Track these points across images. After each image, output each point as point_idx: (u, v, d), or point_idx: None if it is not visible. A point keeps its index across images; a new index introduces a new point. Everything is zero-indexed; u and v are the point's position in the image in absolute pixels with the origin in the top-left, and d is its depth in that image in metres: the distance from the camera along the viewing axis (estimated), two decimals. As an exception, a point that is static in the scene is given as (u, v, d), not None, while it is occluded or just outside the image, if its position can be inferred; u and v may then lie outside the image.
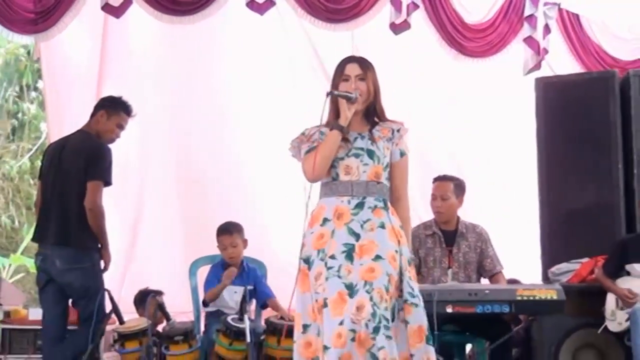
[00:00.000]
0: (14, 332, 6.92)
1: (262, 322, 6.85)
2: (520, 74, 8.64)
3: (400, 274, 4.77)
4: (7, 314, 7.05)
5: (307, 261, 4.84)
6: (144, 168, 8.80)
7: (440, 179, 6.96)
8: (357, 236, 4.78)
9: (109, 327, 6.65)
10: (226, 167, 8.63)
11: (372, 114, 4.96)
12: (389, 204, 4.89)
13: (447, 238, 6.99)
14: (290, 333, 6.23)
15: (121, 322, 6.56)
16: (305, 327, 4.81)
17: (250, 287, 6.66)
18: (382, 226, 4.80)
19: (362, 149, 4.85)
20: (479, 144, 8.75)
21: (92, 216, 6.43)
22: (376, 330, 4.61)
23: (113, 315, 6.45)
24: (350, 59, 5.02)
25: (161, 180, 8.77)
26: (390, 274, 4.72)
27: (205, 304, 6.94)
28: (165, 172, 8.77)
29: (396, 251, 4.77)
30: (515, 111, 8.44)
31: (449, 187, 6.91)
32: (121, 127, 6.77)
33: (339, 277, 4.69)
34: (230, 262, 6.96)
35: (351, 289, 4.66)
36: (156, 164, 8.77)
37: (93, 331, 6.23)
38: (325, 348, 4.61)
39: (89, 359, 6.29)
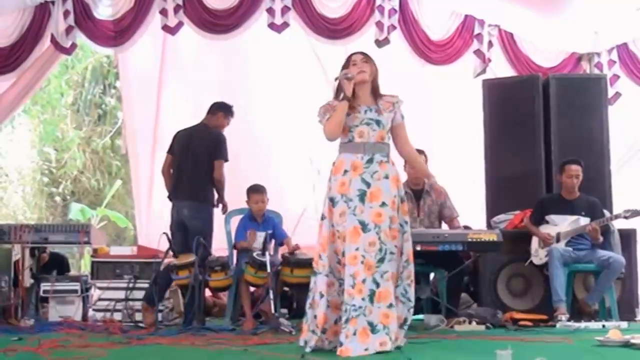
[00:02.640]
0: (100, 264, 6.90)
1: (279, 257, 6.77)
2: (471, 77, 8.62)
3: (397, 211, 4.81)
4: (95, 251, 7.04)
5: (332, 200, 4.80)
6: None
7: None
8: (368, 184, 4.75)
9: (166, 261, 6.59)
10: (252, 145, 8.56)
11: (375, 89, 4.95)
12: (390, 158, 4.88)
13: (416, 195, 7.02)
14: (299, 264, 6.29)
15: (175, 256, 6.55)
16: (326, 248, 4.76)
17: (269, 232, 6.64)
18: (387, 177, 4.79)
19: (371, 119, 4.85)
20: (440, 130, 8.67)
21: (219, 184, 6.93)
22: (381, 260, 4.65)
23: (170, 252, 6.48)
24: (356, 52, 5.06)
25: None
26: (391, 216, 4.74)
27: (235, 248, 6.89)
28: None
29: (395, 196, 4.80)
30: (467, 104, 8.36)
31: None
32: (229, 123, 7.20)
33: (354, 214, 4.68)
34: (257, 214, 6.84)
35: (364, 226, 4.66)
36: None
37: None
38: (343, 265, 4.64)
39: (154, 283, 6.34)
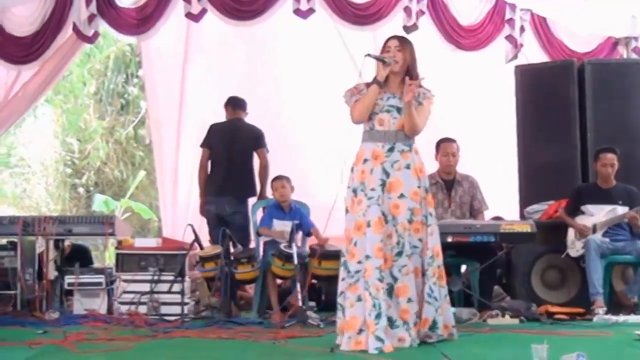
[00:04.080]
0: (124, 256, 6.88)
1: (307, 248, 6.77)
2: (502, 63, 8.52)
3: (421, 202, 4.76)
4: (119, 242, 7.04)
5: (354, 191, 4.78)
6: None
7: (449, 140, 6.92)
8: (388, 174, 4.73)
9: (192, 253, 6.63)
10: (278, 136, 8.37)
11: (410, 79, 4.81)
12: (414, 147, 4.83)
13: (447, 185, 6.97)
14: (327, 256, 6.26)
15: (201, 248, 6.59)
16: (352, 240, 4.71)
17: (296, 222, 6.60)
18: (408, 167, 4.75)
19: (392, 106, 4.80)
20: (471, 118, 8.61)
21: (265, 171, 7.13)
22: (399, 254, 4.66)
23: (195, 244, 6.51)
24: (392, 37, 4.98)
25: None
26: (413, 208, 4.70)
27: (258, 234, 6.90)
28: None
29: (418, 186, 4.75)
30: (499, 91, 8.31)
31: (455, 147, 6.92)
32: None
33: (378, 205, 4.66)
34: (281, 201, 6.84)
35: (385, 217, 4.66)
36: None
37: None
38: (367, 257, 4.59)
39: (179, 275, 6.39)
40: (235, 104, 7.36)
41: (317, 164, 8.74)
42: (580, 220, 6.75)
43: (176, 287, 6.43)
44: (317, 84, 8.68)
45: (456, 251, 6.35)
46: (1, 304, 6.71)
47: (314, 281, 6.80)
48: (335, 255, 6.07)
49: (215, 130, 7.24)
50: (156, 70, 8.93)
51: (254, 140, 7.18)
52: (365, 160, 4.78)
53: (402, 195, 4.71)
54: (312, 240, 6.94)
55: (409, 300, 4.65)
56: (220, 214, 6.98)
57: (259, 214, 7.15)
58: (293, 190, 6.91)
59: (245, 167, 7.17)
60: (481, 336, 5.24)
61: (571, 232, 6.77)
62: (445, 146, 6.89)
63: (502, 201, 7.58)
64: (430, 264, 4.75)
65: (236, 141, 7.14)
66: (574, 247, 6.70)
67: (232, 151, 7.11)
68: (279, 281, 6.80)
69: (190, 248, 6.51)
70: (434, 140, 6.91)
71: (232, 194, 7.03)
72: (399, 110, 4.80)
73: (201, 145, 7.26)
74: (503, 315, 6.10)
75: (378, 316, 4.51)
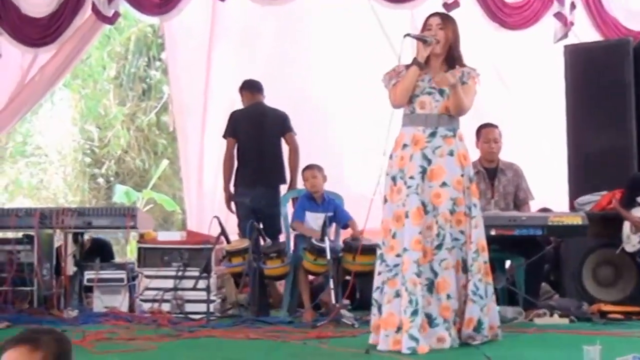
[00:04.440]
0: (147, 250, 6.92)
1: (341, 242, 6.71)
2: (551, 43, 8.42)
3: (464, 192, 4.75)
4: (141, 236, 7.10)
5: (393, 179, 4.78)
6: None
7: (490, 126, 6.88)
8: (429, 161, 4.71)
9: (218, 247, 6.66)
10: (310, 122, 8.41)
11: (452, 60, 4.87)
12: (458, 132, 4.84)
13: (490, 174, 6.94)
14: (363, 251, 6.16)
15: (228, 242, 6.60)
16: (390, 231, 4.72)
17: (329, 214, 6.61)
18: (451, 153, 4.74)
19: (433, 87, 4.79)
20: (517, 101, 8.57)
21: (296, 157, 7.24)
22: (439, 247, 4.66)
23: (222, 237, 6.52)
24: (434, 14, 4.98)
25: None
26: (455, 197, 4.69)
27: (293, 229, 6.93)
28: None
29: (461, 175, 4.74)
30: (547, 73, 8.26)
31: (498, 132, 6.88)
32: None
33: (417, 194, 4.65)
34: (313, 191, 6.83)
35: (425, 207, 4.65)
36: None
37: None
38: (405, 250, 4.60)
39: (204, 271, 6.38)
40: (253, 88, 7.39)
41: (352, 151, 8.74)
42: (637, 212, 6.67)
43: (201, 283, 6.42)
44: (352, 66, 8.67)
45: (500, 245, 6.28)
46: (17, 301, 6.75)
47: (348, 277, 6.75)
48: (371, 250, 5.99)
49: (239, 118, 7.25)
50: (180, 52, 8.98)
51: (282, 124, 7.22)
52: (405, 146, 4.78)
53: (444, 184, 4.70)
54: (344, 234, 6.93)
55: (449, 296, 4.65)
56: (255, 206, 7.03)
57: (289, 205, 7.19)
58: (325, 180, 6.89)
59: (276, 154, 7.24)
60: (527, 337, 5.22)
61: (627, 226, 6.69)
62: (486, 132, 6.86)
63: (549, 191, 7.56)
64: (475, 259, 4.74)
65: (264, 127, 7.18)
66: (630, 242, 6.63)
67: (262, 138, 7.14)
68: (310, 277, 6.80)
69: (216, 242, 6.53)
70: (474, 126, 6.88)
71: (266, 185, 7.12)
72: (441, 92, 4.79)
73: (225, 136, 7.28)
74: (551, 315, 6.06)
75: (414, 313, 4.51)
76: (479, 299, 4.71)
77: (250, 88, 7.40)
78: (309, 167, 6.90)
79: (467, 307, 4.69)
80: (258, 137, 7.16)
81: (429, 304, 4.59)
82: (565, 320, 5.99)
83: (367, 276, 5.91)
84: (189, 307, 6.65)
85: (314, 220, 6.74)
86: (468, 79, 4.85)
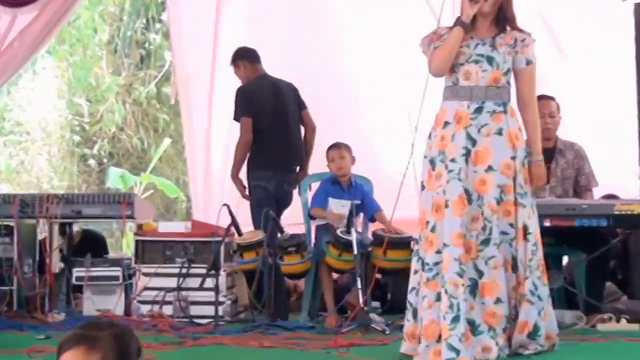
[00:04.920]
0: (146, 243, 6.93)
1: (370, 235, 6.77)
2: (618, 1, 8.11)
3: (515, 178, 4.73)
4: (139, 227, 7.13)
5: (431, 162, 4.78)
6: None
7: (546, 98, 6.75)
8: (474, 141, 4.71)
9: (227, 240, 6.70)
10: (336, 97, 8.56)
11: (503, 21, 4.85)
12: (509, 107, 4.83)
13: (546, 155, 6.67)
14: (395, 244, 6.27)
15: (240, 234, 6.67)
16: (428, 223, 4.72)
17: (357, 202, 6.63)
18: (499, 132, 4.73)
19: (481, 55, 4.79)
20: (577, 69, 8.53)
21: (314, 137, 7.46)
22: (485, 242, 4.66)
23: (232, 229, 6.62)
24: None
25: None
26: (503, 184, 4.69)
27: (310, 217, 6.95)
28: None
29: (512, 157, 4.74)
30: (613, 35, 8.19)
31: (554, 106, 6.82)
32: None
33: (459, 180, 4.64)
34: (339, 175, 6.85)
35: (469, 195, 4.64)
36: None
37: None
38: (445, 245, 4.59)
39: (212, 268, 6.42)
40: (253, 57, 7.41)
41: (383, 130, 8.77)
42: None
43: (209, 282, 6.44)
44: (383, 30, 8.66)
45: (556, 239, 6.27)
46: (-7, 303, 6.80)
47: (378, 276, 6.67)
48: (405, 244, 6.23)
49: (252, 94, 7.27)
50: (184, 13, 8.97)
51: (297, 98, 7.38)
52: (446, 124, 4.78)
53: (490, 168, 4.69)
54: (375, 226, 6.96)
55: (498, 300, 4.65)
56: (279, 194, 7.17)
57: (309, 192, 7.21)
58: (354, 161, 6.91)
59: (299, 134, 7.39)
60: (589, 345, 5.20)
61: None
62: (541, 105, 6.70)
63: (616, 176, 7.56)
64: (534, 252, 4.75)
65: (284, 103, 7.29)
66: None
67: (286, 116, 7.27)
68: (335, 276, 6.85)
69: (226, 234, 6.56)
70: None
71: (290, 170, 7.31)
72: (489, 60, 4.79)
73: (238, 116, 7.27)
74: (618, 320, 6.04)
75: (455, 320, 4.51)
76: (537, 300, 4.72)
77: (250, 58, 7.43)
78: (335, 146, 6.89)
79: (521, 309, 4.70)
80: (281, 114, 7.25)
81: (472, 309, 4.59)
82: (635, 326, 5.95)
83: (400, 274, 6.01)
84: (194, 310, 6.66)
85: (339, 208, 6.77)
86: (522, 48, 4.85)
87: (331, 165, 6.89)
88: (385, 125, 8.81)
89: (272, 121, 7.22)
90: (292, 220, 7.37)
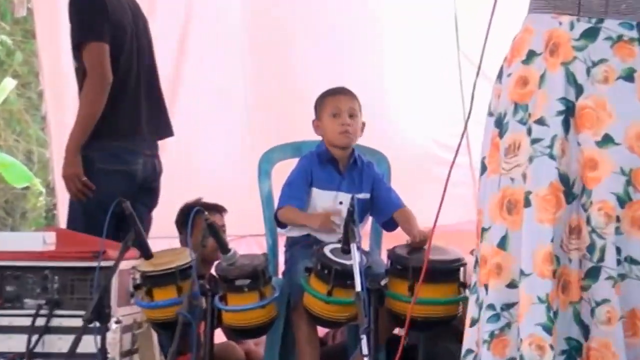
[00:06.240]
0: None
1: (384, 255, 6.62)
2: None
3: None
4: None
5: (498, 122, 4.70)
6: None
7: None
8: (580, 89, 4.57)
9: (126, 263, 6.36)
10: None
11: None
12: None
13: None
14: (433, 275, 5.89)
15: (147, 254, 6.28)
16: (492, 233, 4.63)
17: (362, 196, 6.60)
18: (628, 76, 4.58)
19: None
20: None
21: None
22: (593, 274, 4.50)
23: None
24: None
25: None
26: (631, 170, 4.54)
27: (280, 224, 6.89)
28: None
29: None
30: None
31: None
32: None
33: (552, 156, 4.50)
34: (340, 146, 6.78)
35: (568, 185, 4.52)
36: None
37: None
38: (523, 274, 4.48)
39: (95, 318, 6.05)
40: None
41: (404, 90, 9.36)
42: None
43: (88, 343, 5.95)
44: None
45: None
46: None
47: (397, 332, 6.71)
48: (451, 272, 6.13)
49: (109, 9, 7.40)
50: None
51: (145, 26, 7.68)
52: (531, 56, 4.64)
53: (607, 140, 4.52)
54: (392, 238, 6.86)
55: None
56: (146, 177, 7.34)
57: (278, 174, 7.19)
58: (363, 127, 6.86)
59: (160, 90, 7.75)
60: None
61: None
62: None
63: None
64: None
65: (144, 36, 7.57)
66: None
67: (144, 55, 7.51)
68: (321, 331, 6.81)
69: (121, 255, 6.14)
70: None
71: (154, 140, 7.53)
72: None
73: (89, 39, 7.25)
74: None
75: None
76: None
77: None
78: (339, 92, 6.88)
79: None
80: (137, 53, 7.46)
81: None
82: None
83: (437, 326, 6.09)
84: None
85: (329, 206, 6.71)
86: None
87: (330, 126, 6.72)
88: (405, 77, 9.47)
89: (131, 64, 7.46)
90: (242, 228, 7.91)
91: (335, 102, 6.81)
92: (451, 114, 8.90)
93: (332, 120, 6.74)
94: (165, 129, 7.65)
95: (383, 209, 6.81)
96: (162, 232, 7.46)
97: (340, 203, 6.58)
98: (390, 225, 6.83)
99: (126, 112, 7.35)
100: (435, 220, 5.31)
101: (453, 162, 5.00)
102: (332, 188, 6.70)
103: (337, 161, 6.75)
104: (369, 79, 9.11)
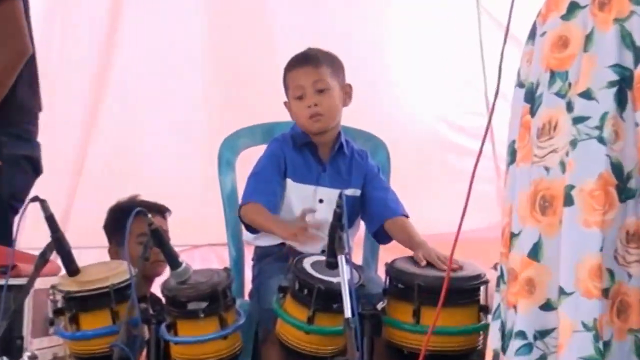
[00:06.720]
0: None
1: (382, 272, 6.34)
2: None
3: None
4: None
5: (529, 95, 4.57)
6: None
7: None
8: (639, 53, 4.35)
9: (43, 281, 6.10)
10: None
11: None
12: None
13: None
14: (447, 296, 5.43)
15: (71, 270, 6.04)
16: (522, 239, 4.49)
17: (350, 192, 6.39)
18: None
19: None
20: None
21: None
22: None
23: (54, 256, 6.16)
24: None
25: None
26: None
27: (248, 227, 6.63)
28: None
29: None
30: None
31: None
32: None
33: (601, 140, 4.34)
34: (312, 130, 6.53)
35: (622, 179, 4.37)
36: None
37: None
38: (563, 293, 4.34)
39: (0, 353, 6.01)
40: None
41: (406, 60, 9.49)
42: None
43: None
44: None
45: None
46: None
47: None
48: (465, 293, 5.94)
49: None
50: None
51: None
52: (573, 8, 4.48)
53: None
54: (389, 251, 6.76)
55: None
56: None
57: (243, 164, 7.05)
58: (348, 102, 6.67)
59: None
60: None
61: None
62: None
63: None
64: None
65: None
66: None
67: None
68: None
69: (37, 270, 5.87)
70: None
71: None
72: None
73: None
74: None
75: None
76: None
77: None
78: (297, 64, 6.63)
79: None
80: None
81: None
82: None
83: None
84: None
85: (309, 203, 6.46)
86: None
87: (296, 111, 6.59)
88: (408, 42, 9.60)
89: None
90: (197, 236, 8.09)
91: (295, 79, 6.60)
92: (467, 85, 8.87)
93: (297, 103, 6.53)
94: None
95: (374, 214, 6.57)
96: (91, 241, 7.36)
97: (321, 201, 6.39)
98: (382, 236, 6.61)
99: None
100: (459, 227, 5.05)
101: (480, 152, 4.80)
102: (310, 181, 6.49)
103: (316, 147, 6.55)
104: (367, 39, 9.11)
